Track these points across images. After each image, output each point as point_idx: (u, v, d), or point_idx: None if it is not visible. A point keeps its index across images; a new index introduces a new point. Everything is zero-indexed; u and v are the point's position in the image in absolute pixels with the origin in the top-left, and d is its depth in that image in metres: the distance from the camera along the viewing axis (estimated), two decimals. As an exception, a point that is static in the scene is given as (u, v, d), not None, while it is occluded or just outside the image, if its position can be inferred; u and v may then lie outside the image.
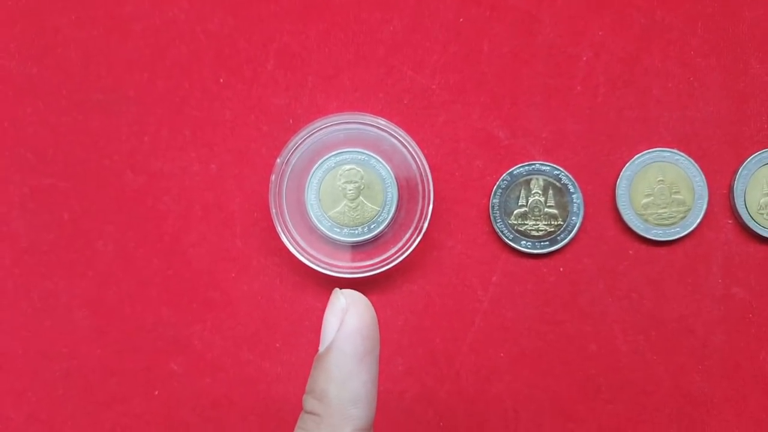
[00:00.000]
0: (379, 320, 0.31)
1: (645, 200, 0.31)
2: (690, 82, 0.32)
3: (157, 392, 0.31)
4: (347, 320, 0.22)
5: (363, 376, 0.22)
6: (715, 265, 0.31)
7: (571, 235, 0.31)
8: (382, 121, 0.31)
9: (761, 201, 0.31)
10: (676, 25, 0.32)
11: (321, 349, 0.22)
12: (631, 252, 0.31)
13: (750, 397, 0.31)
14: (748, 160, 0.31)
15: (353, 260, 0.31)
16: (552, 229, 0.31)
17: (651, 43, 0.32)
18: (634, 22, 0.32)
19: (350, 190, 0.31)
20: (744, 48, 0.32)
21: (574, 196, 0.31)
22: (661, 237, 0.31)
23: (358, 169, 0.31)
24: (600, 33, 0.32)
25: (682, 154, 0.31)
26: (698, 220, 0.31)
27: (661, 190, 0.31)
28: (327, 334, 0.22)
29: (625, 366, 0.31)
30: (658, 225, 0.31)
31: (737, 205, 0.31)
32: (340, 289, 0.23)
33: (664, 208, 0.31)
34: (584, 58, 0.32)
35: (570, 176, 0.31)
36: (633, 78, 0.32)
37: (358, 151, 0.31)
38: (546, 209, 0.31)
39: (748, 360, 0.31)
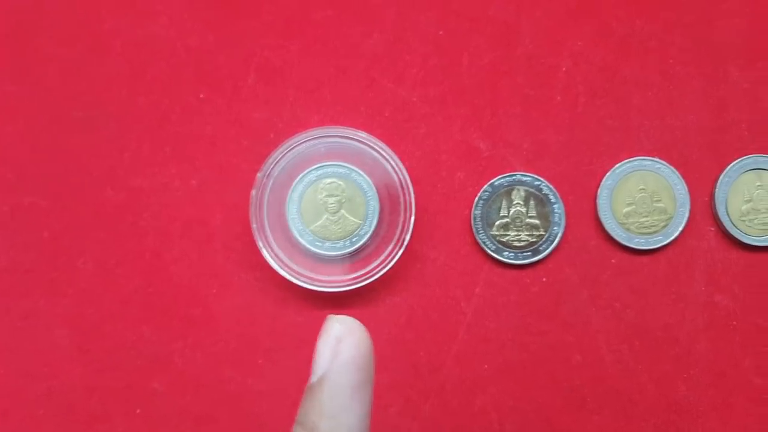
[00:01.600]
0: (362, 334, 0.31)
1: (626, 209, 0.31)
2: (669, 91, 0.32)
3: (138, 410, 0.31)
4: (342, 350, 0.21)
5: (356, 410, 0.21)
6: (698, 273, 0.31)
7: (553, 245, 0.31)
8: (362, 135, 0.31)
9: (743, 208, 0.31)
10: (655, 35, 0.32)
11: (313, 379, 0.21)
12: (613, 261, 0.31)
13: (735, 404, 0.31)
14: (729, 167, 0.31)
15: (335, 274, 0.31)
16: (534, 240, 0.31)
17: (630, 52, 0.32)
18: (613, 32, 0.32)
19: (332, 203, 0.31)
20: (723, 56, 0.32)
21: (555, 206, 0.31)
22: (643, 246, 0.31)
23: (340, 182, 0.31)
24: (579, 43, 0.32)
25: (663, 162, 0.31)
26: (680, 228, 0.31)
27: (642, 198, 0.31)
28: (320, 363, 0.21)
29: (609, 375, 0.31)
30: (640, 234, 0.31)
31: (719, 213, 0.31)
32: (335, 316, 0.22)
33: (646, 216, 0.31)
34: (564, 69, 0.32)
35: (551, 186, 0.31)
36: (612, 88, 0.32)
37: (339, 165, 0.31)
38: (528, 220, 0.31)
39: (732, 367, 0.31)
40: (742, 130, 0.32)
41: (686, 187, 0.31)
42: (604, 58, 0.32)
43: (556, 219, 0.31)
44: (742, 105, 0.32)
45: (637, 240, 0.31)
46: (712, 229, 0.31)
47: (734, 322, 0.31)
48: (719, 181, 0.31)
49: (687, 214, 0.31)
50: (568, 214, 0.31)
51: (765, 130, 0.32)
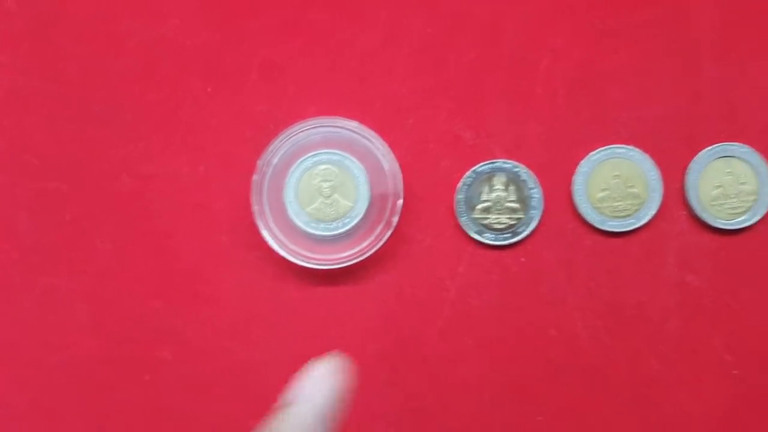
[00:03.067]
0: (353, 310, 0.33)
1: (601, 194, 0.33)
2: (644, 83, 0.34)
3: (147, 377, 0.34)
4: (319, 385, 0.22)
5: None
6: (670, 255, 0.33)
7: (531, 227, 0.33)
8: (354, 124, 0.33)
9: (713, 193, 0.33)
10: (630, 30, 0.34)
11: (284, 402, 0.22)
12: (588, 243, 0.33)
13: (704, 380, 0.33)
14: (700, 154, 0.33)
15: (329, 253, 0.33)
16: (513, 222, 0.33)
17: (606, 47, 0.34)
18: (591, 28, 0.34)
19: (326, 188, 0.33)
20: (696, 49, 0.34)
21: (533, 191, 0.33)
22: (616, 228, 0.33)
23: (333, 168, 0.33)
24: (558, 40, 0.34)
25: (637, 149, 0.33)
26: (652, 213, 0.33)
27: (616, 184, 0.33)
28: (294, 391, 0.22)
29: (584, 351, 0.33)
30: (614, 217, 0.33)
31: (690, 198, 0.33)
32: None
33: (620, 201, 0.33)
34: (543, 64, 0.34)
35: (530, 172, 0.33)
36: (590, 81, 0.34)
37: (333, 152, 0.33)
38: (507, 204, 0.33)
39: (702, 345, 0.33)
40: (714, 119, 0.33)
41: (659, 174, 0.33)
42: (581, 53, 0.34)
43: (534, 203, 0.33)
44: (714, 96, 0.33)
45: (610, 223, 0.33)
46: (684, 213, 0.33)
47: (705, 302, 0.33)
48: (690, 167, 0.33)
49: (659, 199, 0.33)
50: (545, 199, 0.33)
51: (736, 119, 0.33)
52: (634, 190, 0.33)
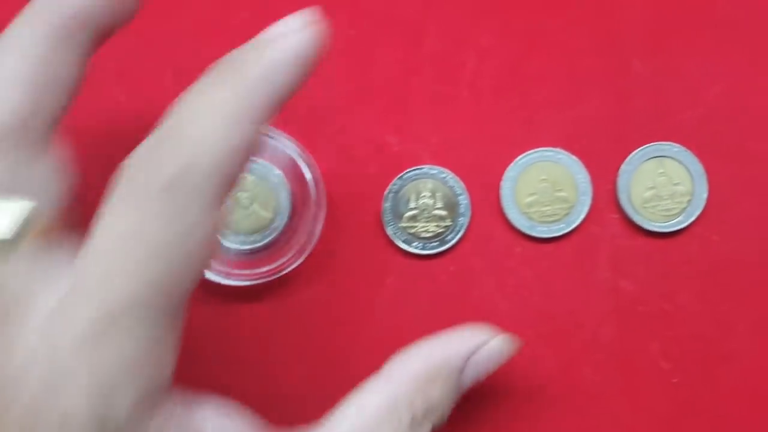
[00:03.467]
0: (277, 328, 0.32)
1: (529, 199, 0.32)
2: (573, 84, 0.33)
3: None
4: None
5: None
6: (602, 260, 0.32)
7: (459, 235, 0.32)
8: (275, 132, 0.32)
9: (645, 195, 0.32)
10: (558, 30, 0.33)
11: None
12: (518, 249, 0.32)
13: (642, 388, 0.32)
14: (631, 155, 0.32)
15: (249, 268, 0.32)
16: (441, 230, 0.32)
17: (534, 47, 0.33)
18: (517, 28, 0.33)
19: (243, 198, 0.32)
20: (625, 48, 0.33)
21: (461, 197, 0.32)
22: (545, 234, 0.32)
23: (252, 177, 0.32)
24: (484, 41, 0.33)
25: (565, 152, 0.32)
26: (582, 217, 0.32)
27: (544, 188, 0.32)
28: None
29: (516, 360, 0.32)
30: (542, 222, 0.32)
31: (622, 200, 0.32)
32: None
33: (548, 205, 0.32)
34: (470, 66, 0.33)
35: (457, 178, 0.32)
36: (517, 82, 0.33)
37: (251, 161, 0.32)
38: (435, 211, 0.32)
39: (638, 352, 0.32)
40: (645, 119, 0.32)
41: (588, 177, 0.32)
42: (508, 54, 0.33)
43: (462, 210, 0.32)
44: (645, 95, 0.32)
45: (539, 228, 0.32)
46: (616, 216, 0.32)
47: (639, 307, 0.32)
48: (621, 169, 0.32)
49: (589, 202, 0.32)
50: (473, 205, 0.32)
51: (667, 118, 0.32)
52: (563, 194, 0.32)
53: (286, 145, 0.32)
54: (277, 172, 0.32)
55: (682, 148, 0.32)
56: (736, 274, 0.32)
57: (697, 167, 0.32)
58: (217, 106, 0.19)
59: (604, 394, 0.32)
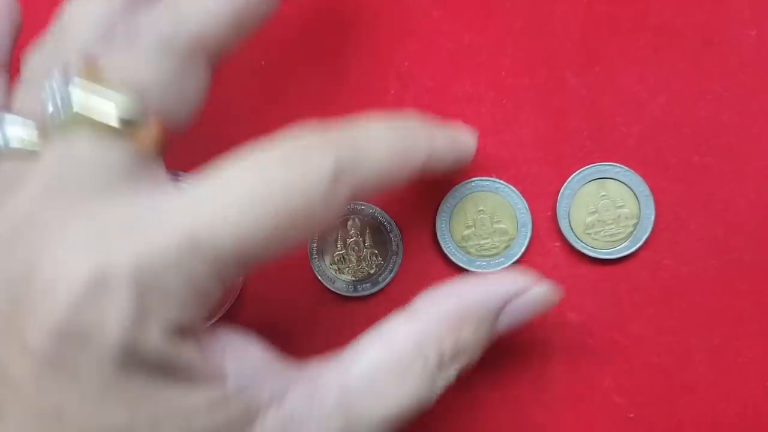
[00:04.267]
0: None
1: (466, 232, 0.30)
2: (503, 105, 0.30)
3: None
4: None
5: None
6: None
7: (393, 273, 0.30)
8: (182, 174, 0.30)
9: (588, 220, 0.30)
10: (485, 47, 0.31)
11: None
12: (456, 285, 0.30)
13: (597, 427, 0.30)
14: (570, 179, 0.30)
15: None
16: (373, 270, 0.30)
17: (460, 68, 0.31)
18: (441, 48, 0.31)
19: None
20: (557, 62, 0.31)
21: (391, 234, 0.30)
22: (485, 268, 0.30)
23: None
24: (406, 63, 0.31)
25: (501, 181, 0.30)
26: (522, 249, 0.30)
27: (482, 220, 0.30)
28: None
29: (460, 404, 0.30)
30: (481, 256, 0.30)
31: (562, 227, 0.30)
32: None
33: (486, 238, 0.30)
34: (392, 91, 0.31)
35: (386, 215, 0.30)
36: (443, 107, 0.31)
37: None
38: (365, 250, 0.30)
39: (591, 388, 0.30)
40: (583, 138, 0.30)
41: (527, 205, 0.30)
42: (433, 77, 0.31)
43: (394, 248, 0.30)
44: (581, 113, 0.30)
45: (478, 263, 0.30)
46: (558, 244, 0.30)
47: (589, 340, 0.30)
48: (561, 194, 0.30)
49: (529, 233, 0.30)
50: (406, 242, 0.30)
51: (606, 137, 0.30)
52: (501, 225, 0.30)
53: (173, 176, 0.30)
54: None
55: (624, 168, 0.30)
56: (691, 299, 0.30)
57: (642, 187, 0.30)
58: (393, 148, 0.23)
59: (556, 435, 0.30)
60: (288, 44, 0.31)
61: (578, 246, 0.29)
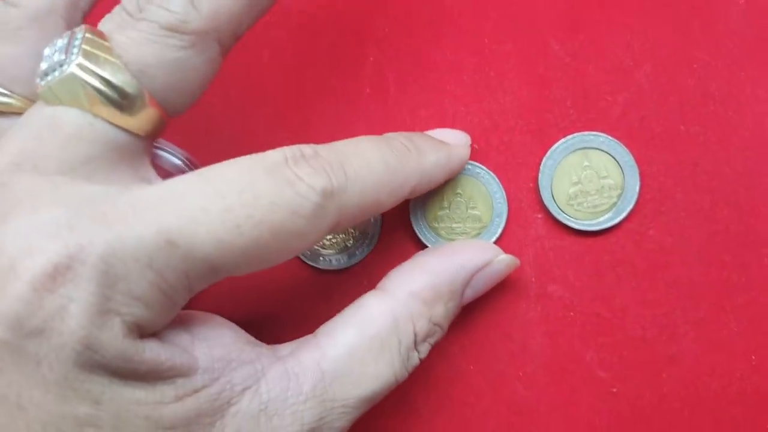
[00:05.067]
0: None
1: (440, 212, 0.29)
2: (485, 73, 0.30)
3: None
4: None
5: None
6: (528, 264, 0.29)
7: (370, 248, 0.29)
8: (164, 143, 0.29)
9: (570, 191, 0.29)
10: (466, 12, 0.30)
11: None
12: (434, 259, 0.29)
13: (580, 401, 0.29)
14: (553, 148, 0.29)
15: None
16: (350, 244, 0.29)
17: (440, 34, 0.30)
18: (421, 14, 0.30)
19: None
20: (541, 28, 0.30)
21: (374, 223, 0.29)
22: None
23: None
24: (385, 29, 0.30)
25: (483, 167, 0.29)
26: (492, 239, 0.29)
27: (457, 203, 0.29)
28: None
29: (441, 380, 0.29)
30: (451, 240, 0.29)
31: (544, 198, 0.29)
32: None
33: (458, 223, 0.29)
34: (371, 58, 0.30)
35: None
36: (424, 74, 0.30)
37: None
38: (343, 222, 0.29)
39: (573, 362, 0.29)
40: (566, 107, 0.30)
41: (505, 196, 0.29)
42: (412, 42, 0.30)
43: (372, 220, 0.29)
44: (565, 81, 0.30)
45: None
46: (540, 215, 0.29)
47: (571, 313, 0.29)
48: (543, 164, 0.29)
49: (502, 224, 0.29)
50: (384, 216, 0.29)
51: (591, 106, 0.29)
52: (476, 212, 0.29)
53: (174, 155, 0.29)
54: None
55: (609, 138, 0.29)
56: (676, 271, 0.29)
57: (627, 158, 0.29)
58: (382, 175, 0.23)
59: (537, 410, 0.29)
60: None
61: (560, 217, 0.29)
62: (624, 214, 0.29)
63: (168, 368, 0.19)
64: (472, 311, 0.29)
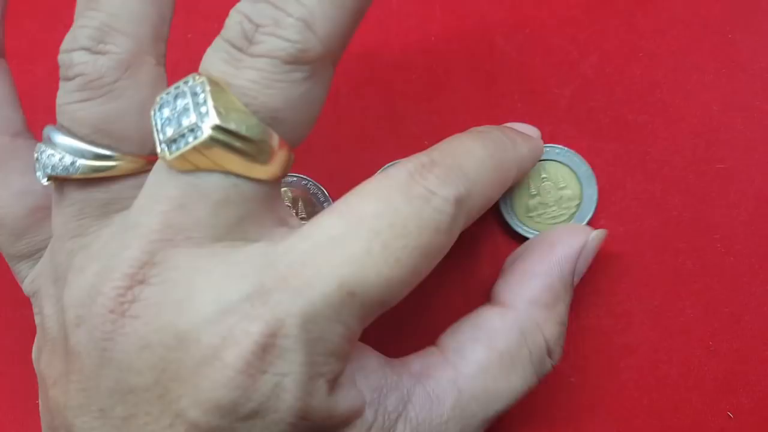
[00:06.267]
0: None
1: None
2: (433, 71, 0.30)
3: None
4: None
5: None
6: (484, 258, 0.30)
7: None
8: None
9: (529, 203, 0.29)
10: (414, 12, 0.30)
11: None
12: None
13: (537, 391, 0.29)
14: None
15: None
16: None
17: (389, 33, 0.30)
18: (369, 14, 0.30)
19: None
20: (487, 24, 0.30)
21: (325, 205, 0.30)
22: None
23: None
24: (333, 32, 0.30)
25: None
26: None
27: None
28: None
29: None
30: None
31: (504, 211, 0.29)
32: None
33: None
34: (321, 61, 0.30)
35: (319, 185, 0.30)
36: (373, 75, 0.30)
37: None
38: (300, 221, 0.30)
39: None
40: (514, 102, 0.30)
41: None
42: (362, 43, 0.30)
43: (326, 219, 0.30)
44: (512, 76, 0.30)
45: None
46: (500, 230, 0.30)
47: (529, 309, 0.29)
48: (501, 177, 0.29)
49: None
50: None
51: (538, 99, 0.30)
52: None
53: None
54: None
55: (565, 149, 0.29)
56: (630, 259, 0.29)
57: (584, 168, 0.29)
58: (494, 172, 0.22)
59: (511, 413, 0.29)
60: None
61: (519, 230, 0.29)
62: (583, 224, 0.29)
63: (354, 412, 0.20)
64: (428, 310, 0.29)
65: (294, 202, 0.30)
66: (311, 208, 0.30)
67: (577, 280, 0.25)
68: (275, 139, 0.19)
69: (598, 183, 0.29)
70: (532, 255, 0.25)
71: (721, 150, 0.29)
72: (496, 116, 0.30)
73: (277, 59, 0.18)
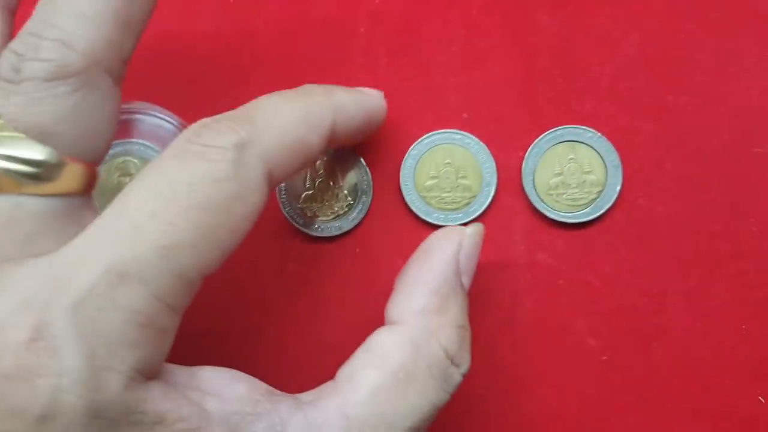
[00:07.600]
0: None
1: (429, 182, 0.29)
2: (474, 45, 0.30)
3: None
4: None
5: None
6: (516, 233, 0.29)
7: (362, 215, 0.29)
8: (156, 108, 0.29)
9: (551, 181, 0.29)
10: (456, -13, 0.30)
11: None
12: (423, 233, 0.29)
13: (568, 368, 0.29)
14: (540, 138, 0.29)
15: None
16: (343, 211, 0.30)
17: (430, 7, 0.30)
18: (410, -14, 0.30)
19: (127, 182, 0.29)
20: (529, 1, 0.30)
21: (362, 174, 0.30)
22: (442, 222, 0.29)
23: (134, 160, 0.30)
24: (376, 1, 0.30)
25: (472, 136, 0.29)
26: (483, 208, 0.29)
27: (446, 173, 0.29)
28: None
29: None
30: (440, 209, 0.29)
31: (525, 186, 0.29)
32: None
33: (449, 192, 0.29)
34: (362, 30, 0.30)
35: (356, 155, 0.30)
36: (415, 46, 0.30)
37: (133, 142, 0.30)
38: (336, 190, 0.30)
39: (562, 330, 0.29)
40: (555, 77, 0.30)
41: (494, 165, 0.29)
42: (403, 15, 0.30)
43: (365, 188, 0.30)
44: (554, 52, 0.30)
45: (435, 215, 0.29)
46: (519, 201, 0.30)
47: (560, 281, 0.29)
48: (528, 152, 0.29)
49: (492, 192, 0.29)
50: (375, 185, 0.30)
51: (579, 77, 0.30)
52: (466, 181, 0.29)
53: (169, 122, 0.29)
54: (159, 149, 0.29)
55: (597, 135, 0.29)
56: (666, 240, 0.29)
57: (612, 156, 0.29)
58: (293, 111, 0.22)
59: (526, 377, 0.29)
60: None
61: (539, 206, 0.29)
62: (601, 212, 0.29)
63: (175, 420, 0.19)
64: (462, 278, 0.29)
65: (330, 169, 0.30)
66: (348, 176, 0.30)
67: (468, 279, 0.24)
68: (54, 155, 0.19)
69: (637, 161, 0.29)
70: (412, 267, 0.24)
71: (759, 135, 0.29)
72: (537, 91, 0.30)
73: (38, 79, 0.19)
